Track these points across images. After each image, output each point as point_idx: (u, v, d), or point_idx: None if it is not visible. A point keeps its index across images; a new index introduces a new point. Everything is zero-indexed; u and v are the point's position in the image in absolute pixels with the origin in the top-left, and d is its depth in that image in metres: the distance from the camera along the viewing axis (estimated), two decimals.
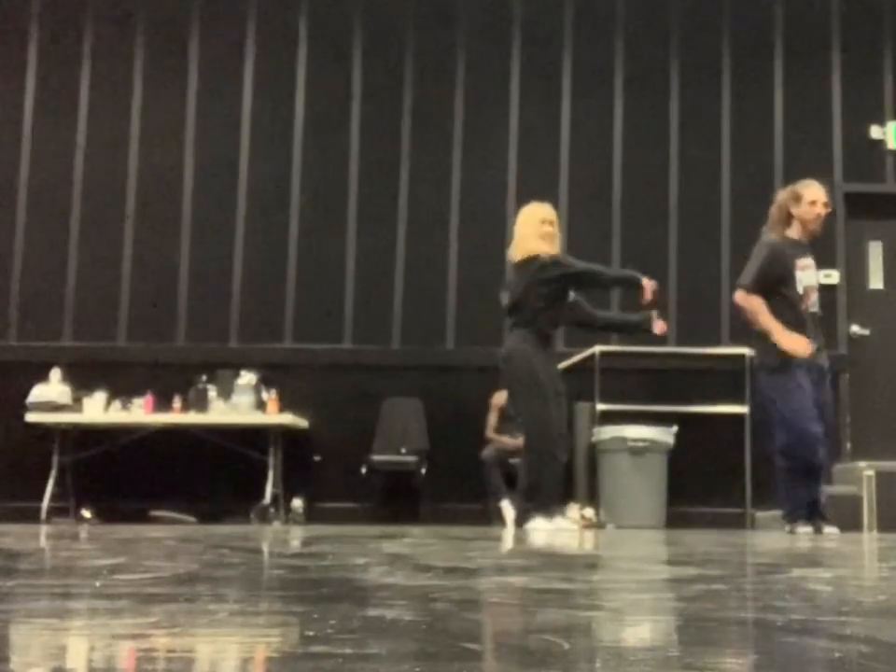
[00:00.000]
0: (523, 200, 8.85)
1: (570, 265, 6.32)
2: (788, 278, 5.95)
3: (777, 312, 5.88)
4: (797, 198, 6.11)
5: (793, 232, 6.11)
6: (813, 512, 5.93)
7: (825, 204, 6.12)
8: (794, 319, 5.90)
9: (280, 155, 8.95)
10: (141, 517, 7.96)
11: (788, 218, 6.12)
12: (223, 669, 1.33)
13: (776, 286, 5.94)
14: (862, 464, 7.75)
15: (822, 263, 8.78)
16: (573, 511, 7.97)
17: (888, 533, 7.13)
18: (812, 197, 6.09)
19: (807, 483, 5.88)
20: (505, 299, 6.57)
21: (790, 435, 5.85)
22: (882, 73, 9.00)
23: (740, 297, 6.02)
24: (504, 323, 6.80)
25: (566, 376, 8.35)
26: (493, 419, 8.26)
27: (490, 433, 8.22)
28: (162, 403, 8.21)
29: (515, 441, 7.90)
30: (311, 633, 1.51)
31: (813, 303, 6.02)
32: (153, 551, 3.78)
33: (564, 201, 8.84)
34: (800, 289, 5.96)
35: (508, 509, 7.57)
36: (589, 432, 8.15)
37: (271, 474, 8.07)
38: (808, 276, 6.02)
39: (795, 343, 5.79)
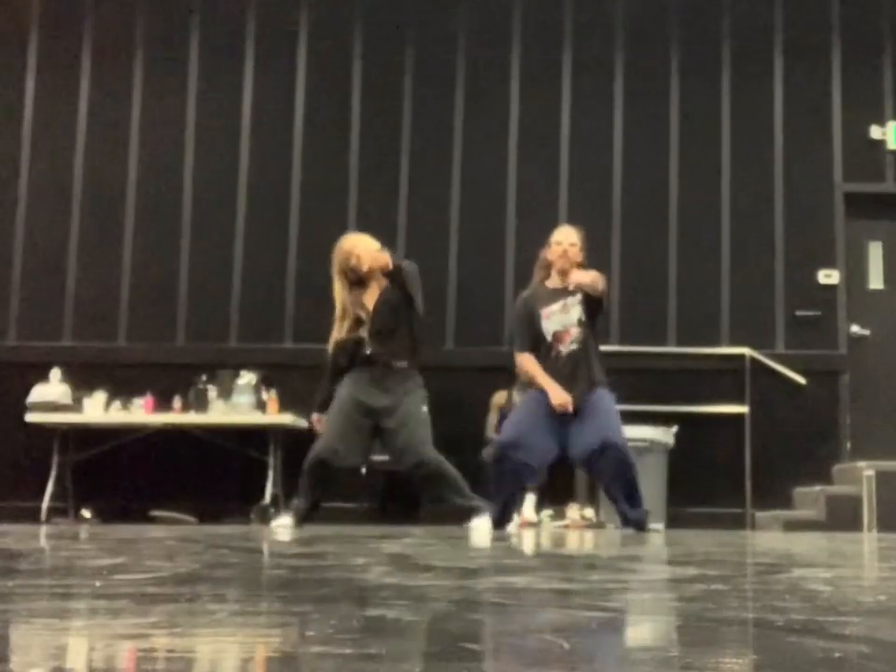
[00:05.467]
0: (523, 200, 8.88)
1: None
2: (537, 329, 6.24)
3: (536, 358, 6.25)
4: (548, 243, 6.41)
5: (551, 281, 6.34)
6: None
7: (571, 244, 6.29)
8: (546, 365, 6.19)
9: (280, 155, 8.95)
10: (141, 517, 7.96)
11: (547, 266, 6.37)
12: (223, 669, 1.33)
13: (533, 336, 6.27)
14: (862, 464, 7.75)
15: (822, 263, 8.83)
16: (573, 510, 7.99)
17: (888, 533, 7.13)
18: (556, 238, 6.35)
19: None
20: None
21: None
22: (882, 73, 8.99)
23: (518, 358, 6.38)
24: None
25: None
26: (493, 419, 8.26)
27: (490, 433, 8.22)
28: (162, 403, 8.21)
29: None
30: (311, 633, 1.51)
31: (567, 344, 6.21)
32: (153, 551, 3.78)
33: (564, 201, 8.85)
34: (549, 337, 6.22)
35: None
36: None
37: (271, 474, 8.07)
38: (554, 322, 6.22)
39: (560, 398, 6.11)
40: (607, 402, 6.20)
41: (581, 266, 6.26)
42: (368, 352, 6.21)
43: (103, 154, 8.97)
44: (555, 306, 6.23)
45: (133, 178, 8.94)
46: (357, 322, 6.28)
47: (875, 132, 8.91)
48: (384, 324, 6.21)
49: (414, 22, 9.09)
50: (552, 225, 8.75)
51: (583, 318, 6.19)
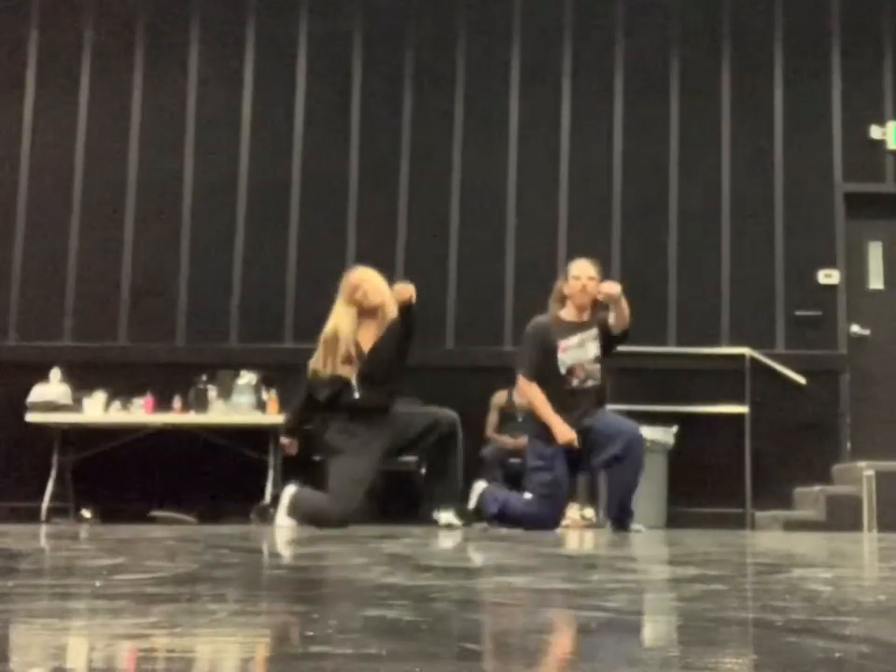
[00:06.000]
0: (523, 200, 8.88)
1: None
2: (551, 360, 6.18)
3: (544, 388, 6.19)
4: (566, 275, 6.37)
5: (567, 313, 6.31)
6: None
7: (590, 278, 6.25)
8: (556, 397, 6.15)
9: (280, 155, 8.95)
10: (141, 517, 7.96)
11: (562, 299, 6.34)
12: (223, 669, 1.33)
13: (542, 365, 6.20)
14: (862, 464, 7.75)
15: (822, 263, 8.83)
16: (573, 510, 7.98)
17: (888, 533, 7.13)
18: (575, 272, 6.31)
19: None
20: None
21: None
22: (882, 73, 9.00)
23: (523, 383, 6.32)
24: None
25: None
26: (493, 419, 8.26)
27: (490, 433, 8.22)
28: (162, 403, 8.21)
29: (515, 440, 7.90)
30: (311, 633, 1.51)
31: (585, 377, 6.19)
32: (153, 551, 3.78)
33: (564, 201, 8.85)
34: (563, 370, 6.17)
35: None
36: None
37: (271, 474, 8.07)
38: (571, 356, 6.19)
39: (565, 435, 6.08)
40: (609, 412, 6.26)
41: (597, 302, 6.22)
42: (356, 396, 6.16)
43: (102, 154, 8.96)
44: (573, 340, 6.20)
45: (132, 178, 8.94)
46: (347, 358, 6.21)
47: (875, 132, 8.91)
48: (377, 369, 6.16)
49: (415, 23, 9.09)
50: (552, 225, 8.81)
51: (600, 355, 6.17)
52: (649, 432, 8.04)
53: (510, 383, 8.13)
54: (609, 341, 6.18)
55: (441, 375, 8.44)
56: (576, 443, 6.06)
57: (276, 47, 9.09)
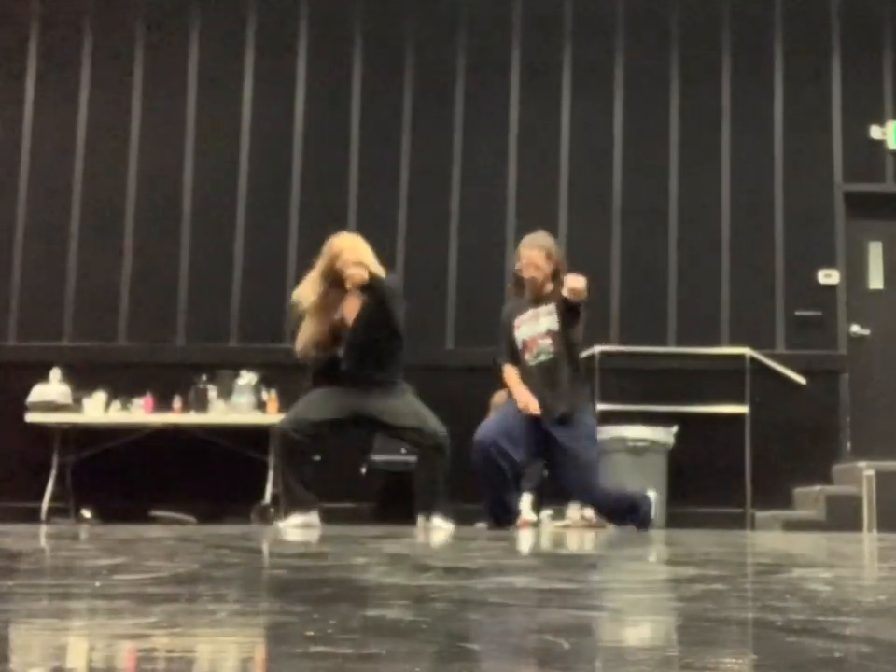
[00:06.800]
0: (523, 200, 8.88)
1: None
2: (512, 337, 6.26)
3: (517, 365, 6.25)
4: (518, 257, 6.33)
5: (528, 292, 6.29)
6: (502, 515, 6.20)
7: (527, 263, 6.19)
8: (521, 374, 6.20)
9: (280, 155, 8.95)
10: (141, 517, 7.96)
11: (520, 280, 6.34)
12: (223, 669, 1.33)
13: (512, 347, 6.27)
14: (862, 464, 7.75)
15: (822, 263, 8.83)
16: (573, 510, 7.98)
17: (888, 533, 7.13)
18: (518, 255, 6.30)
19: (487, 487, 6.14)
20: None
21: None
22: (882, 73, 9.00)
23: (503, 370, 6.36)
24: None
25: None
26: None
27: None
28: (162, 403, 8.21)
29: None
30: (311, 633, 1.51)
31: (537, 353, 6.15)
32: (153, 551, 3.78)
33: (563, 201, 8.85)
34: (519, 346, 6.22)
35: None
36: None
37: (271, 474, 8.07)
38: (524, 331, 6.21)
39: (523, 399, 6.09)
40: (585, 448, 6.09)
41: (557, 274, 6.14)
42: (344, 367, 6.15)
43: (103, 155, 8.96)
44: (526, 315, 6.20)
45: (132, 178, 8.94)
46: (333, 330, 6.18)
47: (875, 132, 8.91)
48: (360, 340, 6.11)
49: (415, 22, 9.09)
50: (551, 225, 8.78)
51: (554, 328, 6.10)
52: (649, 432, 8.06)
53: None
54: (567, 315, 6.09)
55: (441, 375, 8.43)
56: (535, 409, 6.03)
57: (276, 47, 9.09)
